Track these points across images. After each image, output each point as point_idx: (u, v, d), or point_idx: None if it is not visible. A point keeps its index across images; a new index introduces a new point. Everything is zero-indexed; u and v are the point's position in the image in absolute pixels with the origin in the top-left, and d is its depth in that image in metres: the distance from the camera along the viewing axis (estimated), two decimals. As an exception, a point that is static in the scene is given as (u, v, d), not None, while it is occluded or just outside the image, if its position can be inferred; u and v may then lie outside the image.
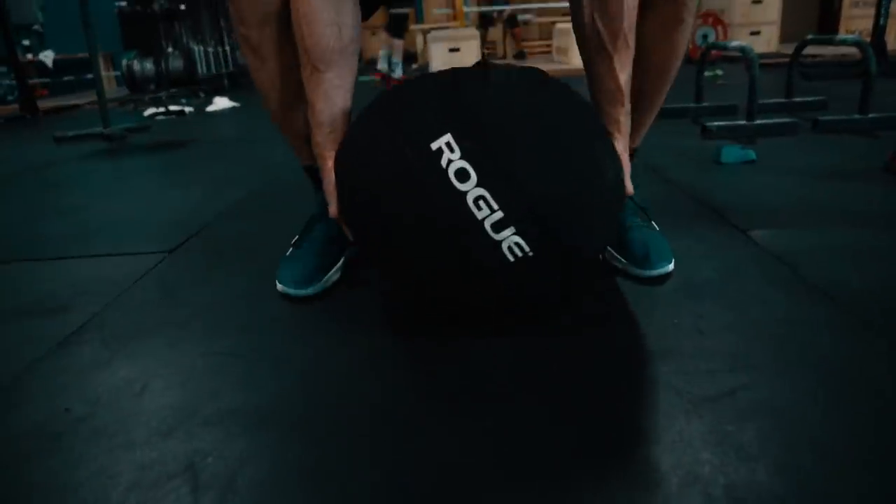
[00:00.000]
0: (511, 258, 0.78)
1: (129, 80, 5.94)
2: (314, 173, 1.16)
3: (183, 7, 5.50)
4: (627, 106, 0.94)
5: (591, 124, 0.87)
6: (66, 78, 7.31)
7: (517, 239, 0.77)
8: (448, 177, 0.75)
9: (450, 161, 0.76)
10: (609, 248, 1.10)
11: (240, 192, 1.92)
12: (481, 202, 0.75)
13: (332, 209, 0.92)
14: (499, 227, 0.76)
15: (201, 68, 5.58)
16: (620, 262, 1.08)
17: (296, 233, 1.18)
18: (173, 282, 1.20)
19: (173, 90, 5.19)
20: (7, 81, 6.35)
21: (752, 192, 1.58)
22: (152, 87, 5.55)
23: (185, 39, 5.51)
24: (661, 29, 1.01)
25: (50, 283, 1.23)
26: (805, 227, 1.28)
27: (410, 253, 0.82)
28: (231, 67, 6.15)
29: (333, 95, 0.94)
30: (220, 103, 4.39)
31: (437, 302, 0.91)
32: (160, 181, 2.34)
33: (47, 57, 7.64)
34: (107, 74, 7.85)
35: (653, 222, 1.14)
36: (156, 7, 5.37)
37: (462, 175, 0.75)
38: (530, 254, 0.77)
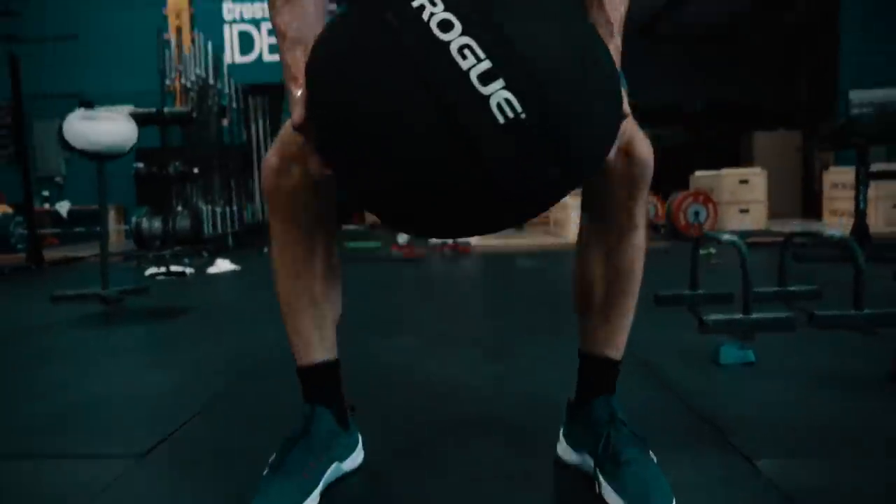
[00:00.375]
0: (501, 118, 0.69)
1: (137, 237, 6.12)
2: (308, 378, 1.13)
3: (196, 171, 5.78)
4: (617, 40, 0.94)
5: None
6: (77, 229, 7.53)
7: (507, 94, 0.69)
8: (430, 29, 0.70)
9: (432, 14, 0.71)
10: (604, 481, 1.02)
11: (228, 377, 1.86)
12: (466, 51, 0.69)
13: (297, 115, 0.84)
14: (486, 78, 0.69)
15: (208, 228, 5.76)
16: (618, 500, 1.00)
17: (278, 439, 1.11)
18: (133, 501, 1.11)
19: (178, 248, 5.31)
20: (20, 231, 6.54)
21: (755, 403, 1.52)
22: (157, 244, 5.69)
23: (194, 199, 5.74)
24: (617, 238, 1.05)
25: None
26: (815, 456, 1.21)
27: (389, 129, 0.73)
28: (237, 227, 6.35)
29: (310, 18, 0.95)
30: (222, 265, 4.46)
31: (416, 201, 0.77)
32: (149, 358, 2.29)
33: (62, 207, 7.96)
34: (117, 227, 8.11)
35: (650, 452, 1.08)
36: (171, 170, 5.64)
37: (445, 25, 0.70)
38: (522, 115, 0.69)
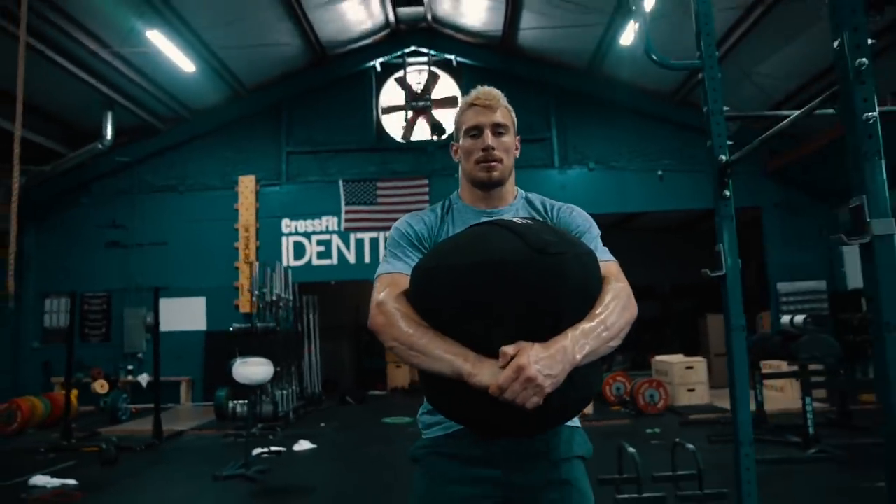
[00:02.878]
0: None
1: (219, 412, 7.85)
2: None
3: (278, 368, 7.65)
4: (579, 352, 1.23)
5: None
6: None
7: None
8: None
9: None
10: None
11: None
12: None
13: (485, 377, 1.19)
14: None
15: (283, 406, 7.53)
16: None
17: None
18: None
19: (260, 426, 7.03)
20: (126, 405, 8.27)
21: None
22: (236, 419, 7.41)
23: (270, 388, 7.53)
24: None
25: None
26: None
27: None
28: (295, 404, 8.11)
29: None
30: (304, 444, 6.20)
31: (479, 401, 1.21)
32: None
33: (143, 379, 9.75)
34: (185, 394, 9.83)
35: None
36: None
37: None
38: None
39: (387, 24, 10.41)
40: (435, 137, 10.38)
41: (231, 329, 7.75)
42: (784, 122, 2.42)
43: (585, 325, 1.27)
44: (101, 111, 9.30)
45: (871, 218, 1.78)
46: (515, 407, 1.17)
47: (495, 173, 1.60)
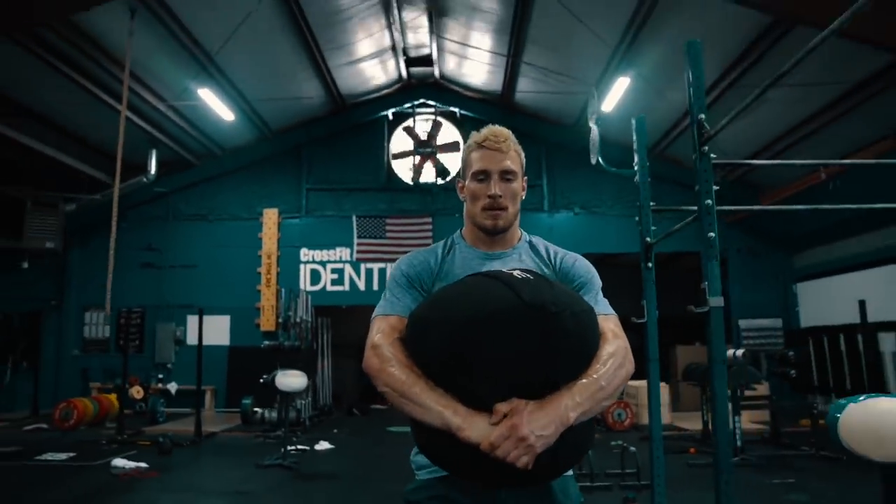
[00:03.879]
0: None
1: (245, 418, 9.05)
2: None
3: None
4: (577, 407, 1.25)
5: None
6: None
7: None
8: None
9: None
10: None
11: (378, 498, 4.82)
12: None
13: (475, 433, 1.20)
14: None
15: (304, 413, 8.75)
16: None
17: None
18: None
19: (282, 430, 8.22)
20: (162, 408, 9.46)
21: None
22: (264, 423, 8.61)
23: (293, 399, 8.73)
24: None
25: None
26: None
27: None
28: (311, 412, 9.32)
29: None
30: (324, 444, 7.40)
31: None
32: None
33: (172, 387, 10.89)
34: (210, 401, 11.00)
35: None
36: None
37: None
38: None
39: (399, 79, 11.82)
40: (439, 180, 11.73)
41: (263, 346, 9.02)
42: (678, 225, 3.72)
43: (581, 385, 1.27)
44: (147, 148, 10.59)
45: (709, 296, 3.07)
46: (505, 463, 1.18)
47: (500, 222, 1.57)
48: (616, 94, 8.95)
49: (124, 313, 11.51)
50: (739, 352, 7.36)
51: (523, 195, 1.62)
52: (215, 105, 9.34)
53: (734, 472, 2.63)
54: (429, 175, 11.89)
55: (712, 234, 2.68)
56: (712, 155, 2.68)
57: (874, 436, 2.16)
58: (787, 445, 7.19)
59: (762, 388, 7.80)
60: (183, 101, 9.38)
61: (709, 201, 2.67)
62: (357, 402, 11.65)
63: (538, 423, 1.19)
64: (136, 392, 10.14)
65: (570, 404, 1.23)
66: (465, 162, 1.63)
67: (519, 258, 1.60)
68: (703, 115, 2.63)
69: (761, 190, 10.93)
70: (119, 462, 6.07)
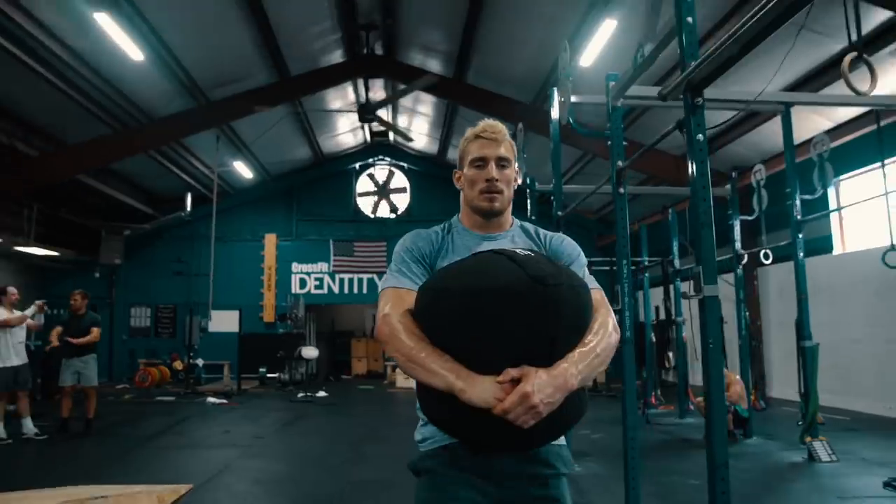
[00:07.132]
0: None
1: (260, 380, 13.70)
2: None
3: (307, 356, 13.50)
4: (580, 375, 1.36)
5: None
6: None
7: None
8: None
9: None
10: None
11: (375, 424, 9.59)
12: None
13: (476, 395, 1.30)
14: None
15: (306, 374, 13.42)
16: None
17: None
18: None
19: (291, 386, 12.85)
20: (203, 374, 13.96)
21: None
22: (277, 383, 13.25)
23: (297, 365, 13.35)
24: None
25: None
26: None
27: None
28: (314, 370, 13.97)
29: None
30: (322, 393, 12.06)
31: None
32: (355, 419, 10.01)
33: (199, 362, 15.30)
34: (226, 372, 15.51)
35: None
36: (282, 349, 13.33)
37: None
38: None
39: (365, 141, 16.51)
40: (392, 215, 16.47)
41: (279, 332, 13.63)
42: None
43: (580, 353, 1.38)
44: (183, 190, 14.89)
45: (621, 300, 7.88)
46: (505, 425, 1.28)
47: (496, 204, 1.68)
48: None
49: (160, 308, 15.82)
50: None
51: (517, 184, 1.73)
52: (243, 171, 13.81)
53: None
54: (384, 211, 16.61)
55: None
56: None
57: None
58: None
59: None
60: (220, 167, 13.82)
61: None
62: (331, 372, 16.35)
63: (546, 390, 1.29)
64: (179, 365, 14.52)
65: (574, 371, 1.34)
66: (463, 152, 1.74)
67: (512, 240, 1.71)
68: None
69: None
70: (210, 399, 10.62)
